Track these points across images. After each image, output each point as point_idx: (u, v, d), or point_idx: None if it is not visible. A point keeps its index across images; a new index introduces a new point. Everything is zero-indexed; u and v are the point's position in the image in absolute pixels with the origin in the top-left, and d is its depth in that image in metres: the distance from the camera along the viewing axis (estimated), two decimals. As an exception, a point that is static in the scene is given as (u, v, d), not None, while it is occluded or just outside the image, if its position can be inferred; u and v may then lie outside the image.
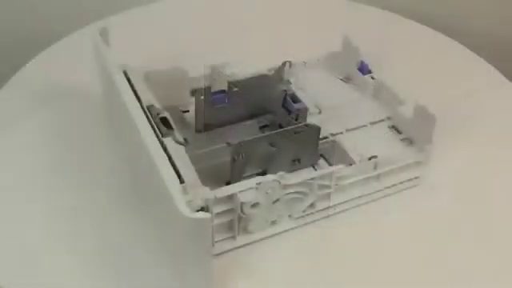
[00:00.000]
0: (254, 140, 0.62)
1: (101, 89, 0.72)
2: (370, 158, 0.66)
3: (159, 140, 0.57)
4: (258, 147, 0.62)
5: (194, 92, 0.68)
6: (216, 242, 0.60)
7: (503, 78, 0.84)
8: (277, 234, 0.62)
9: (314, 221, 0.64)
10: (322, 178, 0.62)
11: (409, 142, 0.70)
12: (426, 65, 0.86)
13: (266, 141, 0.63)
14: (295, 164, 0.66)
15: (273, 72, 0.73)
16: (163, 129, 0.60)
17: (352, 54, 0.77)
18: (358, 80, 0.77)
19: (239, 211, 0.58)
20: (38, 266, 0.60)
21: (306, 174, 0.64)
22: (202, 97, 0.68)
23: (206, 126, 0.70)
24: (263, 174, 0.63)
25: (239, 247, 0.61)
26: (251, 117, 0.72)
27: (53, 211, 0.64)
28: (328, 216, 0.64)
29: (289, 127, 0.63)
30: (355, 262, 0.61)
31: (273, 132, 0.64)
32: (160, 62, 0.69)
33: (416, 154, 0.67)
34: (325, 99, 0.75)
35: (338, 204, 0.64)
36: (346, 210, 0.65)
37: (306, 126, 0.64)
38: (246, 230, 0.61)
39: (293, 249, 0.62)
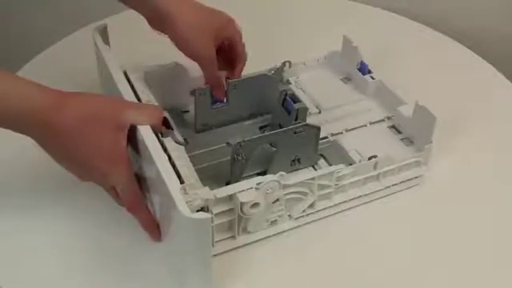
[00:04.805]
0: (254, 140, 0.62)
1: (101, 89, 0.72)
2: (369, 158, 0.66)
3: (159, 140, 0.57)
4: (258, 147, 0.62)
5: (193, 92, 0.68)
6: (216, 242, 0.60)
7: (503, 78, 0.84)
8: (277, 234, 0.62)
9: (314, 221, 0.64)
10: (321, 177, 0.62)
11: (409, 141, 0.70)
12: (426, 65, 0.86)
13: (265, 141, 0.63)
14: (295, 164, 0.66)
15: (273, 72, 0.73)
16: (163, 129, 0.60)
17: (352, 54, 0.77)
18: (358, 80, 0.77)
19: (239, 211, 0.58)
20: (38, 266, 0.60)
21: (305, 174, 0.64)
22: (202, 97, 0.68)
23: (206, 126, 0.71)
24: (263, 173, 0.63)
25: (239, 247, 0.61)
26: (251, 117, 0.73)
27: (53, 211, 0.64)
28: (328, 216, 0.64)
29: (289, 127, 0.63)
30: (355, 262, 0.61)
31: (273, 132, 0.64)
32: (160, 62, 0.69)
33: (416, 154, 0.67)
34: (325, 99, 0.75)
35: (338, 204, 0.64)
36: (346, 209, 0.65)
37: (306, 125, 0.64)
38: (245, 230, 0.61)
39: (293, 249, 0.62)
